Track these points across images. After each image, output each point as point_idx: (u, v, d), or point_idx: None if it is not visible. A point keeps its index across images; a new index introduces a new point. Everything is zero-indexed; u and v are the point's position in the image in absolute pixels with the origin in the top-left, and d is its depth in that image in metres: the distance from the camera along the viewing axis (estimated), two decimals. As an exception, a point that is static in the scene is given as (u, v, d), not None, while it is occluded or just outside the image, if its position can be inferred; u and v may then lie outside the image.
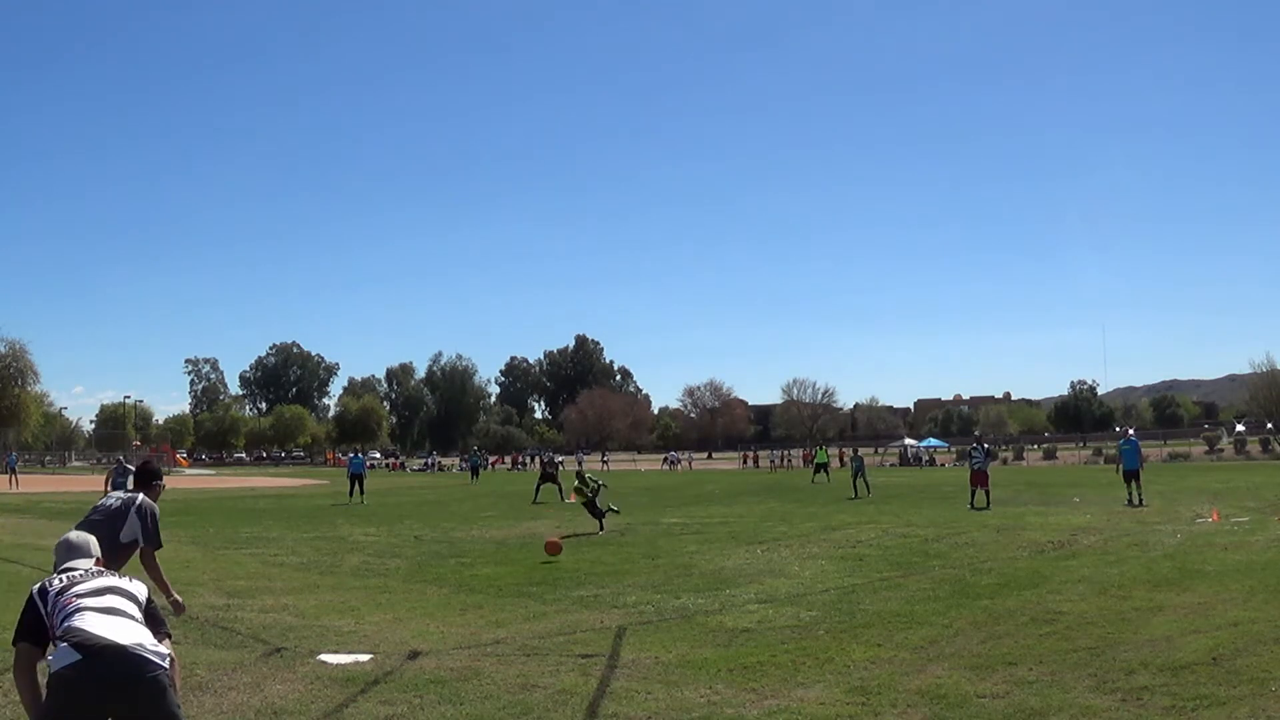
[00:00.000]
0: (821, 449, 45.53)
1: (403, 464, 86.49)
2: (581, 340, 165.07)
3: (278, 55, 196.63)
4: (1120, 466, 21.35)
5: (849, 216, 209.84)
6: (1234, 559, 11.72)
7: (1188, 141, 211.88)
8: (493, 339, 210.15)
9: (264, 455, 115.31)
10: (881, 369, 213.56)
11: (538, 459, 41.27)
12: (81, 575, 3.83)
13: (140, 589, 3.88)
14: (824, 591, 10.18)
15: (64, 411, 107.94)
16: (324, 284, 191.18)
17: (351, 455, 33.60)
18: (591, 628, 8.39)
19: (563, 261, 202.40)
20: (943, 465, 62.23)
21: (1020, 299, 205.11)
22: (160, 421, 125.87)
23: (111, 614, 3.57)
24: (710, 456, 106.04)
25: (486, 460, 71.89)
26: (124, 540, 6.21)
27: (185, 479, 50.79)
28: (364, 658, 7.27)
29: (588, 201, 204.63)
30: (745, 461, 70.95)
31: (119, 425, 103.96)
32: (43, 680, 3.60)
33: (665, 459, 74.56)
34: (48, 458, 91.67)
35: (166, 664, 3.53)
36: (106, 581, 3.79)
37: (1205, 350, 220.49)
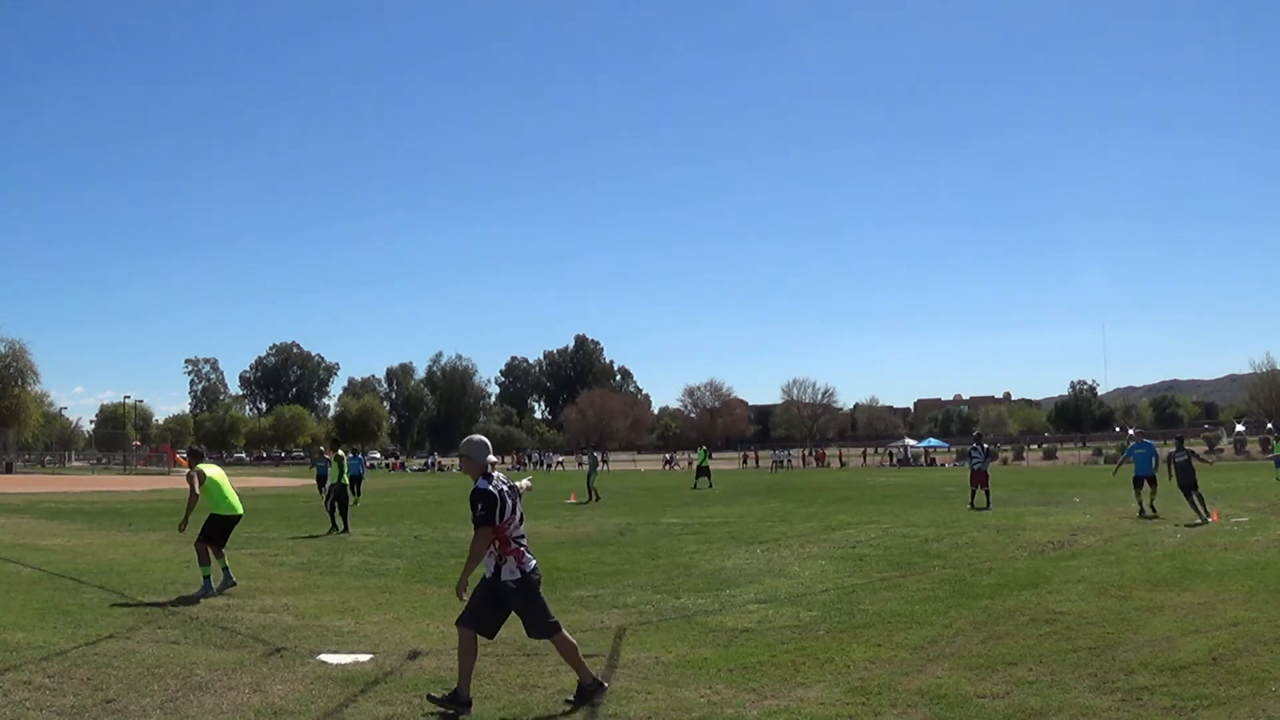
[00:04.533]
0: (703, 450, 41.11)
1: (403, 464, 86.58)
2: (581, 340, 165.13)
3: (278, 55, 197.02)
4: (1128, 470, 19.07)
5: (849, 216, 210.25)
6: (1234, 559, 11.72)
7: (1188, 141, 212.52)
8: (493, 339, 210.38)
9: (264, 455, 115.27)
10: (881, 369, 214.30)
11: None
12: (514, 505, 6.00)
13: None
14: (824, 591, 10.18)
15: (64, 411, 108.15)
16: (324, 284, 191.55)
17: (351, 456, 33.59)
18: (591, 628, 8.38)
19: (563, 261, 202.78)
20: (943, 465, 62.24)
21: (1020, 299, 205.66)
22: (160, 421, 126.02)
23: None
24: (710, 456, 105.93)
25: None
26: None
27: (185, 479, 50.61)
28: (364, 658, 7.27)
29: (588, 201, 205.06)
30: (745, 461, 71.04)
31: (119, 425, 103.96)
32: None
33: (665, 459, 74.86)
34: (48, 458, 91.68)
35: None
36: (519, 513, 6.07)
37: (1205, 350, 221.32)
